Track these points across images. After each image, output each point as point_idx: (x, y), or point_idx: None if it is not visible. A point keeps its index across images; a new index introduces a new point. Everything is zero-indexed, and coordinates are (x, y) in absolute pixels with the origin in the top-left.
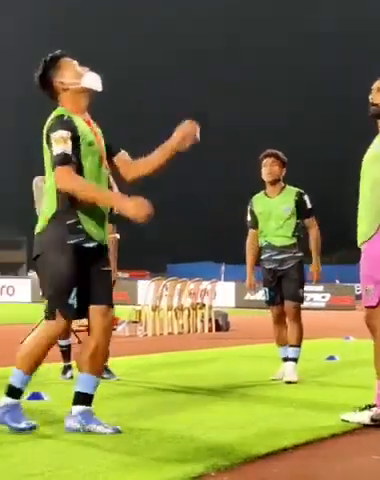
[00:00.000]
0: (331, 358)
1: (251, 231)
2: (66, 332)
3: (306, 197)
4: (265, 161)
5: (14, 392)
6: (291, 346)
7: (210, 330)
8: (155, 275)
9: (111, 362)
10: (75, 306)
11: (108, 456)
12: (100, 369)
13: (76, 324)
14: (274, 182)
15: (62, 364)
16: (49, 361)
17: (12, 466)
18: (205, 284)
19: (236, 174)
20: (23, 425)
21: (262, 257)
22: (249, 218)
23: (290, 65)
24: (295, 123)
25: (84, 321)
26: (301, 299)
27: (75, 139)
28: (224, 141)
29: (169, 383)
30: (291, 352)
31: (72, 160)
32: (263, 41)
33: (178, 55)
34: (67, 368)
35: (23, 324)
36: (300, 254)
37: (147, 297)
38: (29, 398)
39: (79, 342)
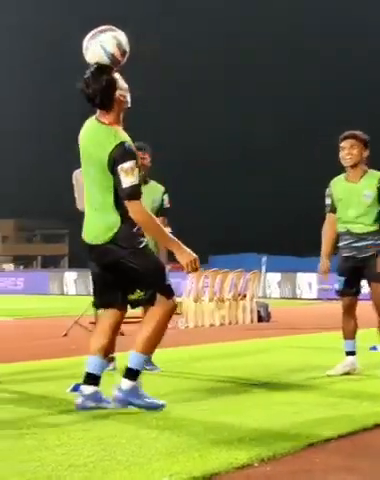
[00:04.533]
0: (374, 348)
1: (329, 215)
2: None
3: None
4: (343, 144)
5: (134, 374)
6: None
7: (251, 321)
8: None
9: (154, 354)
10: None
11: (151, 447)
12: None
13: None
14: (355, 166)
15: None
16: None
17: (56, 457)
18: (247, 275)
19: (275, 167)
20: (147, 400)
21: (340, 244)
22: (328, 201)
23: None
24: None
25: (130, 313)
26: None
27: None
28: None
29: (212, 374)
30: None
31: (140, 191)
32: None
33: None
34: (111, 360)
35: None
36: None
37: (188, 289)
38: (72, 389)
39: (122, 334)
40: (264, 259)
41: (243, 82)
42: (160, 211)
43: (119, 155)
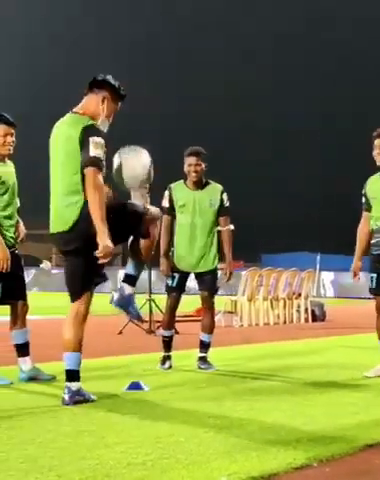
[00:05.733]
0: None
1: (364, 214)
2: (171, 323)
3: None
4: (376, 142)
5: (133, 281)
6: None
7: (306, 320)
8: (249, 265)
9: (209, 353)
10: None
11: (210, 446)
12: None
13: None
14: None
15: (162, 354)
16: (147, 351)
17: (115, 455)
18: (301, 274)
19: (331, 159)
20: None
21: (372, 242)
22: (363, 200)
23: None
24: None
25: (184, 312)
26: None
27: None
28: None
29: (267, 373)
30: None
31: (103, 166)
32: None
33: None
34: (167, 358)
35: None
36: None
37: (242, 288)
38: (128, 388)
39: (177, 333)
40: (318, 258)
41: None
42: (220, 211)
43: (90, 131)
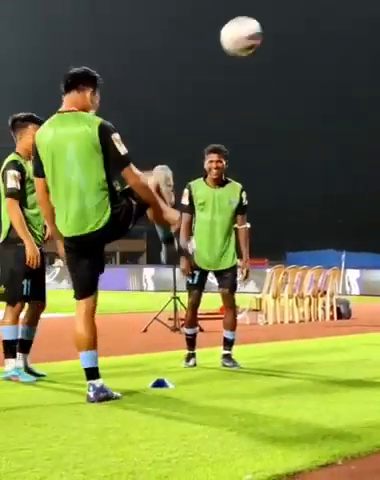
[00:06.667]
0: None
1: None
2: (194, 321)
3: None
4: None
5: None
6: None
7: (332, 318)
8: (274, 263)
9: (234, 350)
10: None
11: (234, 444)
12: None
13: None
14: None
15: (186, 352)
16: (172, 349)
17: (139, 452)
18: (326, 272)
19: (356, 157)
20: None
21: None
22: None
23: None
24: None
25: (208, 309)
26: None
27: None
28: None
29: (292, 371)
30: None
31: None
32: None
33: None
34: (191, 356)
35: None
36: None
37: (268, 285)
38: (153, 385)
39: (201, 330)
40: (343, 256)
41: None
42: (239, 209)
43: (109, 128)
